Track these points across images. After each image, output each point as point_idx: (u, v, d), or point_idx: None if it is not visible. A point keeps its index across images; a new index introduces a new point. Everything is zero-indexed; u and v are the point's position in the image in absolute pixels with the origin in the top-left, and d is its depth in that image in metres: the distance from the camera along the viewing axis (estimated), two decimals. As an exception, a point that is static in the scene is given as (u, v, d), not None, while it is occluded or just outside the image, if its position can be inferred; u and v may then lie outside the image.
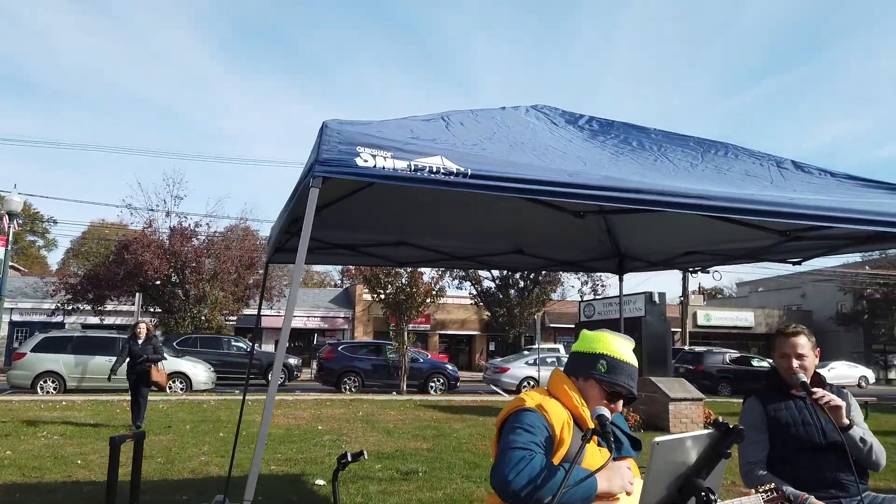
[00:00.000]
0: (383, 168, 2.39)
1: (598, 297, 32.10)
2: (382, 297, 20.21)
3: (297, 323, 38.02)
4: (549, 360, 21.58)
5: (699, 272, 5.29)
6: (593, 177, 2.70)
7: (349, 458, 2.83)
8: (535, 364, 21.14)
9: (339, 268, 59.37)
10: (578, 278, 36.36)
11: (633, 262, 5.70)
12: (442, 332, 39.91)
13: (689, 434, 1.71)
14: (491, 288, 36.38)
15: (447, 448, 8.41)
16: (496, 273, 36.23)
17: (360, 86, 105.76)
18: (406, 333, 19.63)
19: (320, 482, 6.16)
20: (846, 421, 2.50)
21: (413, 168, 2.42)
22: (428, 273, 21.33)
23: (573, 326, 37.81)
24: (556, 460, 1.91)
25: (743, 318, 43.12)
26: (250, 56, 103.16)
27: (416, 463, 7.25)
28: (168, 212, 26.39)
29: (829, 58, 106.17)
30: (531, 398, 2.01)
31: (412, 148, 2.48)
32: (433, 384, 20.26)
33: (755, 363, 23.55)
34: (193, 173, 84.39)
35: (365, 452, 2.89)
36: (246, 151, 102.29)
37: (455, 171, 2.47)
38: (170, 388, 15.92)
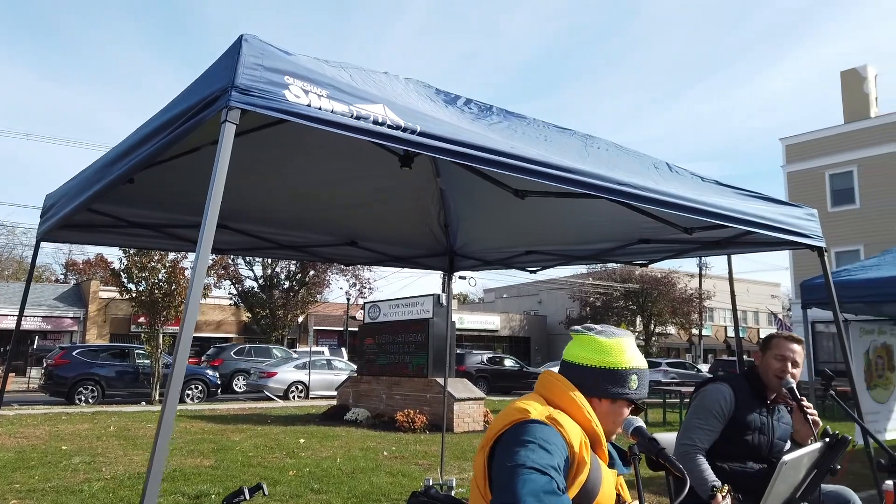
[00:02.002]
0: (319, 108, 1.82)
1: (388, 298, 32.17)
2: (134, 294, 17.71)
3: (7, 323, 31.87)
4: (318, 363, 20.95)
5: (468, 279, 5.31)
6: (531, 152, 2.42)
7: (246, 496, 2.08)
8: (304, 367, 20.33)
9: (63, 261, 51.25)
10: (347, 280, 36.14)
11: (465, 261, 5.56)
12: (196, 334, 36.56)
13: (808, 449, 1.48)
14: (253, 288, 34.41)
15: (234, 463, 7.46)
16: (259, 272, 34.42)
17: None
18: (161, 336, 17.45)
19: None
20: (813, 436, 2.43)
21: (354, 115, 1.89)
22: (189, 269, 19.29)
23: (341, 330, 37.48)
24: (577, 486, 1.51)
25: (491, 321, 46.86)
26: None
27: (203, 483, 6.26)
28: None
29: (562, 95, 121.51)
30: (534, 409, 1.55)
31: (350, 89, 1.94)
32: (190, 392, 18.30)
33: (507, 363, 25.55)
34: None
35: (265, 486, 2.16)
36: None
37: (402, 125, 1.98)
38: None
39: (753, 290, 50.39)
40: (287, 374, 20.26)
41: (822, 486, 2.69)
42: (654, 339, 42.83)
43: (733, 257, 4.46)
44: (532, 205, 3.84)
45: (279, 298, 33.91)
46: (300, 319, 35.21)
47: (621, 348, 1.67)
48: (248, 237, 4.70)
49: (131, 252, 17.22)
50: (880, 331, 5.62)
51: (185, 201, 4.11)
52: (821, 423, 2.46)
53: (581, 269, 45.64)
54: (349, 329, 35.02)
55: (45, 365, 17.50)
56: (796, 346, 2.66)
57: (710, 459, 2.60)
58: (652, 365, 29.17)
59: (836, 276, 5.08)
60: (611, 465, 1.70)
